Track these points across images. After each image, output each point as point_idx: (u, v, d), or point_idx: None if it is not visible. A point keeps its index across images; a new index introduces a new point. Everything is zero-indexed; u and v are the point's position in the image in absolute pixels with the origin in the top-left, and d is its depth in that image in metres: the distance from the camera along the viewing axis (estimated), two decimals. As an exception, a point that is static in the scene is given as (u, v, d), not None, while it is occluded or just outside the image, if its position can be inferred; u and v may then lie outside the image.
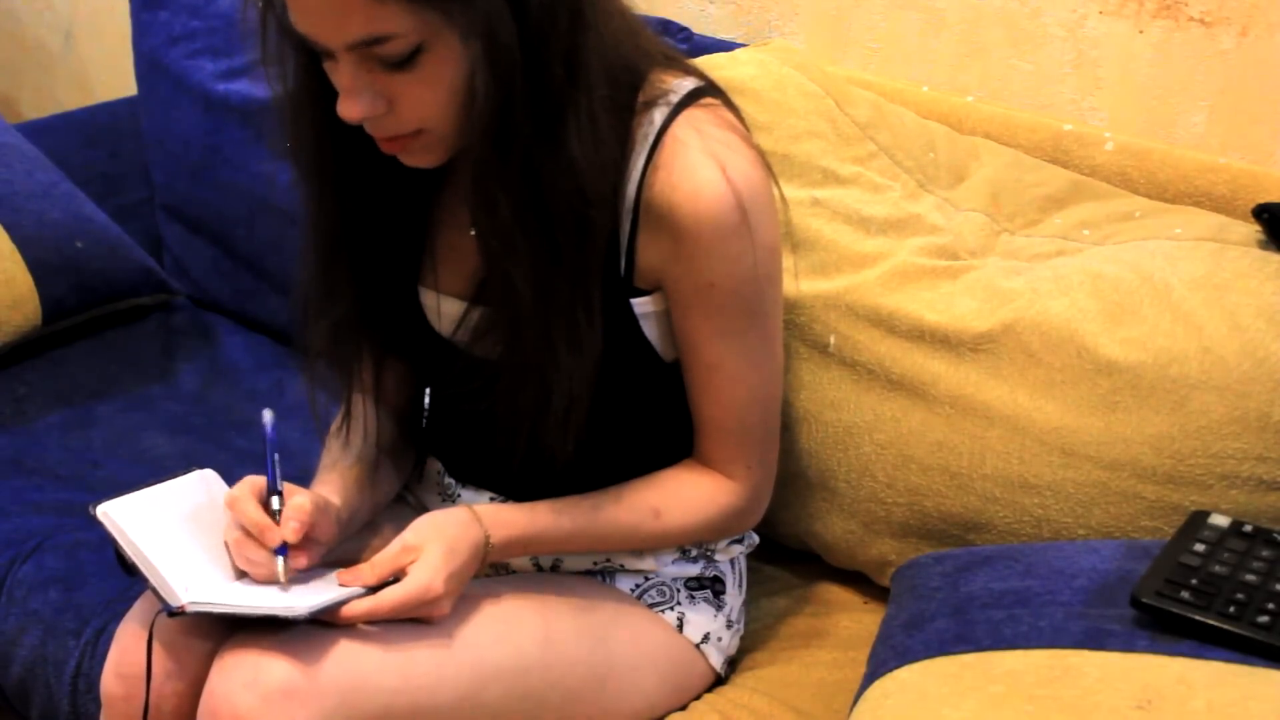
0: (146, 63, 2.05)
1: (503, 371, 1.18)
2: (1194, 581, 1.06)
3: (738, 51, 1.61)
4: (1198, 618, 1.03)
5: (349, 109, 1.07)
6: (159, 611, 1.13)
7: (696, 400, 1.25)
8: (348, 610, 1.12)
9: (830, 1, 1.75)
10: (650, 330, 1.22)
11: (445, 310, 1.25)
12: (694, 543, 1.31)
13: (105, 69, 2.79)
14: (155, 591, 1.13)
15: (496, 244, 1.12)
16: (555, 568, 1.32)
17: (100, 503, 1.16)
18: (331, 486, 1.25)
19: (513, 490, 1.30)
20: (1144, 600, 1.05)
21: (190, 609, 1.11)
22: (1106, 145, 1.50)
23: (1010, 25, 1.62)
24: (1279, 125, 1.48)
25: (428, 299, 1.27)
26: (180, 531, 1.18)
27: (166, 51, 2.00)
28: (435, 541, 1.17)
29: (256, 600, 1.11)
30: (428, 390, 1.45)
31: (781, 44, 1.68)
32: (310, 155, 1.20)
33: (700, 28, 1.83)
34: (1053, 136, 1.53)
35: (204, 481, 1.24)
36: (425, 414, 1.43)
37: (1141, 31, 1.53)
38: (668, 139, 1.14)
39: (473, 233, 1.21)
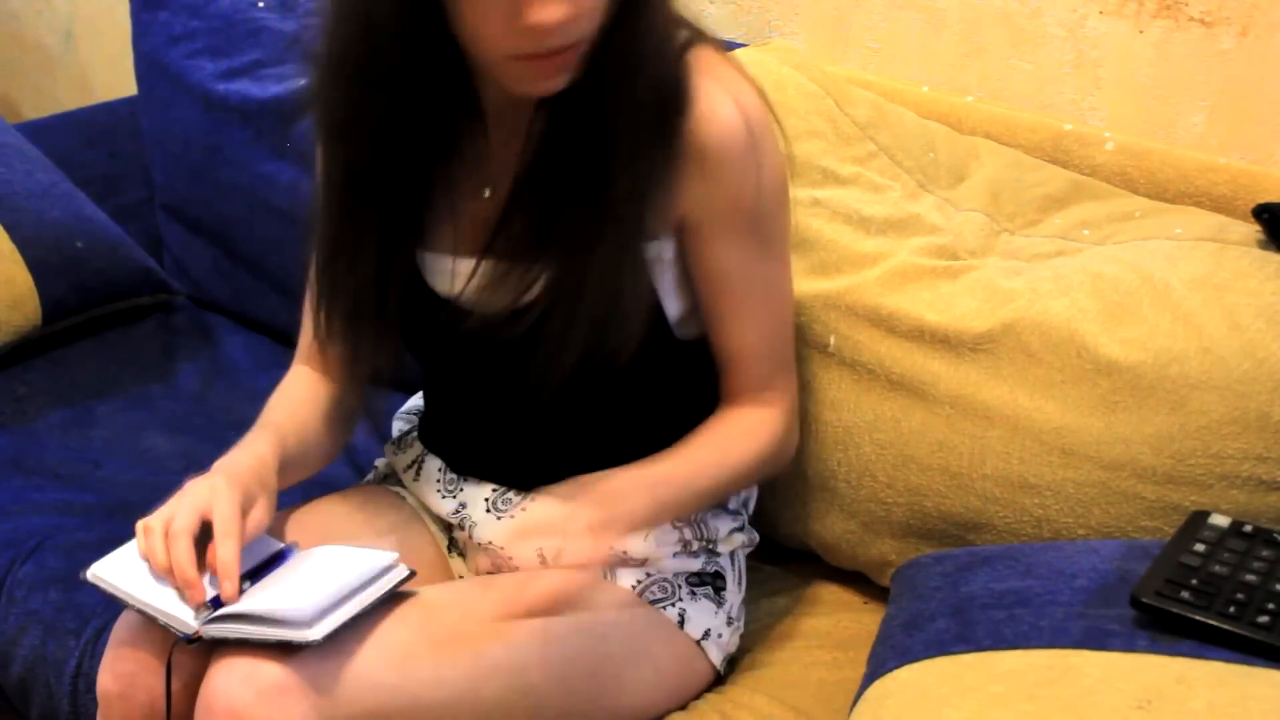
0: (146, 63, 2.05)
1: (561, 279, 1.19)
2: (1194, 582, 1.06)
3: (738, 51, 1.61)
4: (1198, 618, 1.03)
5: (559, 12, 1.07)
6: (176, 640, 1.13)
7: (726, 334, 1.28)
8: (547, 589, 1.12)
9: (830, 1, 1.75)
10: (657, 278, 1.24)
11: (460, 270, 1.25)
12: (756, 477, 1.35)
13: (105, 69, 2.79)
14: (167, 626, 1.13)
15: (605, 127, 1.15)
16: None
17: (89, 567, 1.17)
18: (274, 440, 1.27)
19: (515, 479, 1.31)
20: (1144, 600, 1.05)
21: (205, 633, 1.11)
22: (1106, 145, 1.50)
23: (1010, 25, 1.62)
24: (1279, 125, 1.48)
25: (442, 263, 1.27)
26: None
27: (166, 51, 2.00)
28: (540, 506, 1.21)
29: (268, 625, 1.10)
30: (422, 393, 1.46)
31: (781, 44, 1.68)
32: (359, 112, 1.20)
33: (700, 28, 1.83)
34: (1053, 136, 1.53)
35: None
36: (420, 413, 1.44)
37: (1141, 31, 1.53)
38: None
39: (487, 194, 1.24)
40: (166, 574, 1.14)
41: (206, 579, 1.17)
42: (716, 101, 1.19)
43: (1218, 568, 1.08)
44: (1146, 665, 1.01)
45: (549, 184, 1.19)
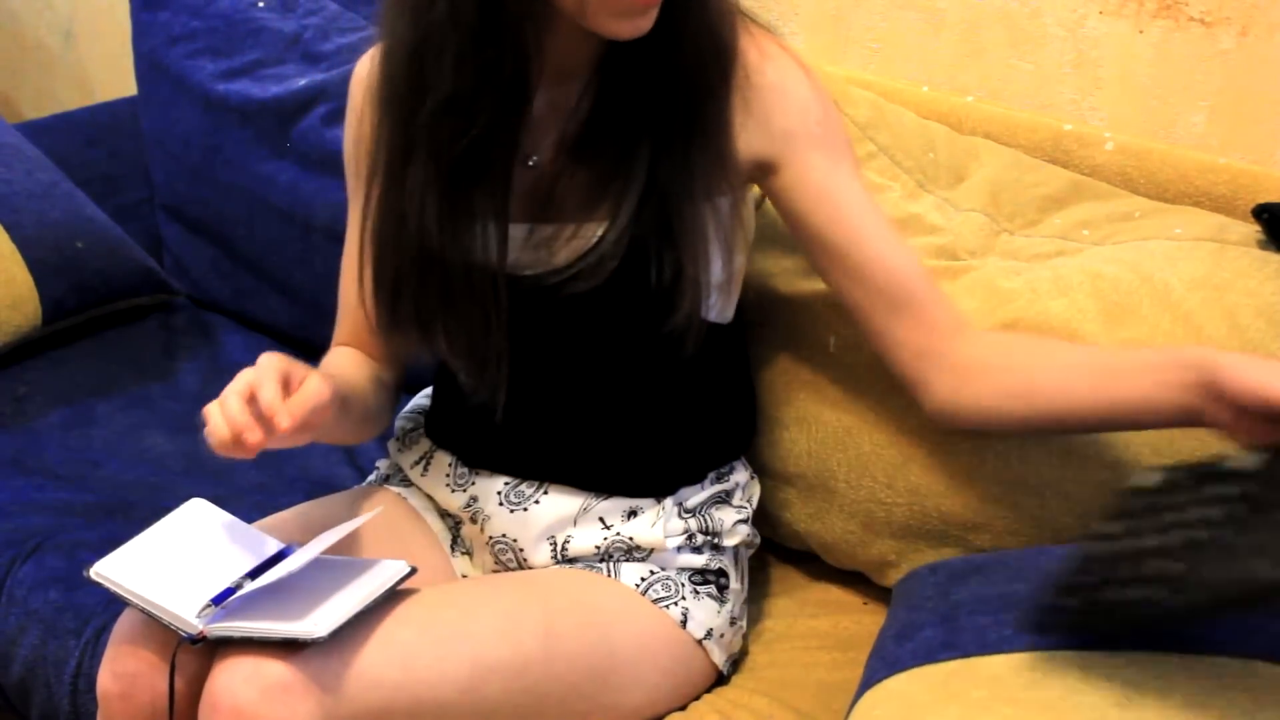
0: (146, 63, 2.05)
1: (645, 229, 1.20)
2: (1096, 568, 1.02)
3: (738, 51, 1.61)
4: (1091, 607, 1.02)
5: None
6: (180, 641, 1.13)
7: (868, 267, 1.24)
8: None
9: (830, 1, 1.75)
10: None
11: (512, 235, 1.23)
12: None
13: (105, 69, 2.79)
14: (171, 626, 1.13)
15: (678, 73, 1.18)
16: (565, 552, 1.32)
17: (92, 565, 1.17)
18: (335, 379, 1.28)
19: (529, 470, 1.32)
20: (1049, 607, 1.04)
21: (209, 632, 1.11)
22: (1106, 145, 1.50)
23: (1010, 25, 1.62)
24: (1279, 125, 1.48)
25: (516, 231, 1.24)
26: (181, 563, 1.19)
27: (166, 51, 2.00)
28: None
29: (273, 623, 1.11)
30: (425, 392, 1.46)
31: (781, 44, 1.68)
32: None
33: (700, 28, 1.83)
34: (1053, 136, 1.53)
35: (194, 511, 1.24)
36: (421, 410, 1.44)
37: (1141, 31, 1.53)
38: None
39: (532, 163, 1.23)
40: (231, 441, 1.13)
41: (211, 575, 1.17)
42: (761, 42, 1.23)
43: (1123, 543, 1.01)
44: (1127, 663, 1.01)
45: (615, 138, 1.19)
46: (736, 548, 1.37)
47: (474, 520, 1.34)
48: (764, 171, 1.26)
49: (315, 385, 1.17)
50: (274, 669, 1.09)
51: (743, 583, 1.38)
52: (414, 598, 1.18)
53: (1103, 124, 1.58)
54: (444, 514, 1.40)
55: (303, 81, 1.87)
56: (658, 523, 1.31)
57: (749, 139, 1.23)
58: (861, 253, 1.25)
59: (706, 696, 1.34)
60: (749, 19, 1.25)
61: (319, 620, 1.09)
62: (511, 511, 1.32)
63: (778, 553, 1.52)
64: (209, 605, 1.14)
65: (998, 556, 1.23)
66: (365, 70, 1.31)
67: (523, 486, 1.33)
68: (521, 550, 1.33)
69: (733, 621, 1.35)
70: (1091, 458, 1.30)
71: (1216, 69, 1.50)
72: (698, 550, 1.33)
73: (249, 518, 1.27)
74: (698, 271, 1.22)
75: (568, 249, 1.22)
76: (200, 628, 1.11)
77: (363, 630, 1.13)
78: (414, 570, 1.17)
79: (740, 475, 1.39)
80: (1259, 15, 1.46)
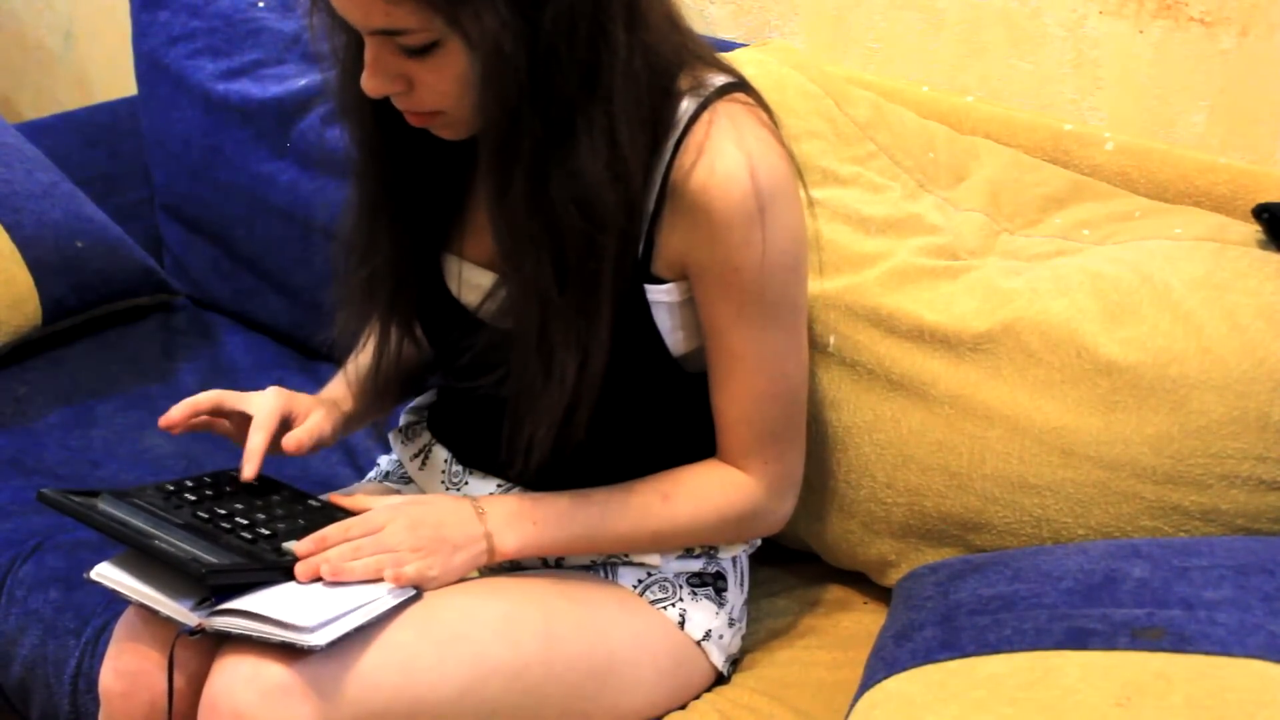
0: (146, 63, 2.05)
1: (514, 366, 1.20)
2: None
3: (737, 51, 1.61)
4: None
5: (368, 85, 1.14)
6: (179, 632, 1.13)
7: (717, 392, 1.25)
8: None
9: (830, 1, 1.75)
10: (662, 320, 1.22)
11: (467, 277, 1.26)
12: (708, 540, 1.31)
13: (105, 69, 2.80)
14: (170, 619, 1.13)
15: (508, 248, 1.16)
16: (559, 563, 1.32)
17: (92, 568, 1.18)
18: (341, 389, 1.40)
19: (521, 478, 1.30)
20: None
21: (208, 626, 1.11)
22: (1106, 145, 1.50)
23: (1010, 25, 1.62)
24: (1279, 125, 1.48)
25: (451, 265, 1.28)
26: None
27: (166, 51, 2.00)
28: (413, 500, 1.24)
29: (273, 628, 1.10)
30: (430, 393, 1.46)
31: (781, 44, 1.68)
32: (358, 116, 1.24)
33: (700, 28, 1.82)
34: (1053, 136, 1.53)
35: None
36: (433, 400, 1.44)
37: (1141, 31, 1.54)
38: (699, 125, 1.16)
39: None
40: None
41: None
42: (730, 161, 1.15)
43: None
44: (1126, 662, 1.01)
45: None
46: (734, 555, 1.37)
47: None
48: (677, 269, 1.22)
49: (314, 421, 1.31)
50: (273, 671, 1.09)
51: (742, 585, 1.38)
52: (412, 599, 1.18)
53: (1103, 124, 1.58)
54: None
55: (303, 81, 1.87)
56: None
57: (683, 243, 1.19)
58: (713, 382, 1.25)
59: (707, 696, 1.34)
60: (749, 108, 1.19)
61: (319, 630, 1.09)
62: None
63: (778, 553, 1.52)
64: (209, 600, 1.13)
65: (998, 556, 1.23)
66: None
67: (515, 491, 1.32)
68: (516, 563, 1.33)
69: (731, 623, 1.35)
70: (1091, 458, 1.30)
71: (1216, 69, 1.50)
72: (694, 557, 1.33)
73: (248, 517, 1.27)
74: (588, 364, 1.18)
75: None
76: (198, 619, 1.11)
77: (362, 634, 1.13)
78: (420, 594, 1.18)
79: None
80: (1259, 15, 1.46)
